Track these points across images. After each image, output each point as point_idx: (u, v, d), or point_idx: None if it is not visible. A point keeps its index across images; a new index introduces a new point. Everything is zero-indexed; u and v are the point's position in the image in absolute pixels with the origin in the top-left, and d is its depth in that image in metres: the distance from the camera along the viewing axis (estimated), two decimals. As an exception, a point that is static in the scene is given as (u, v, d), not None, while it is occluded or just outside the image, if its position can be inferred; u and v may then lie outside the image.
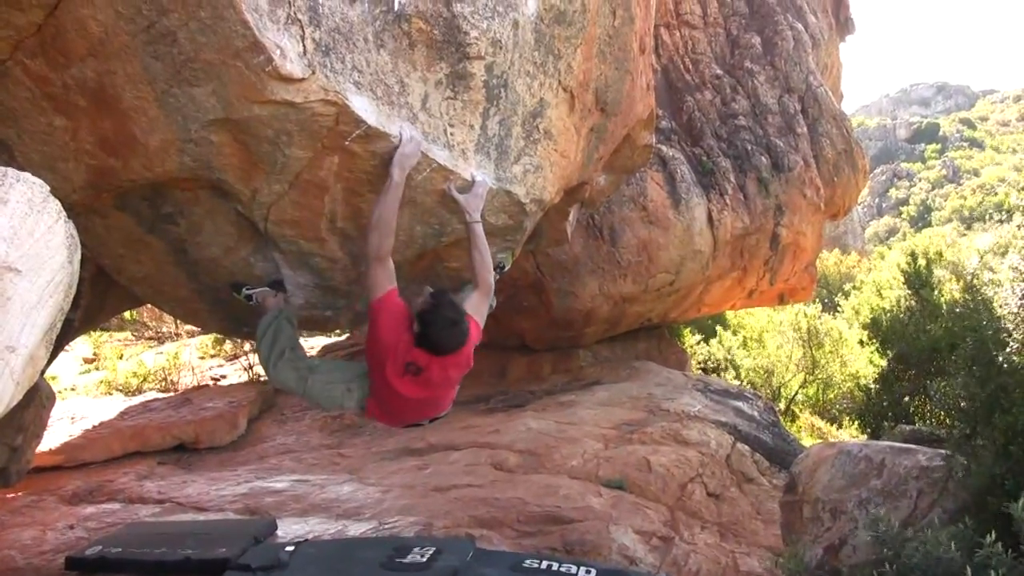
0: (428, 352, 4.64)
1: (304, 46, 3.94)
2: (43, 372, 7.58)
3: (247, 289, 5.60)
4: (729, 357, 17.08)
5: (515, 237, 5.57)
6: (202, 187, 4.75)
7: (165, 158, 4.33)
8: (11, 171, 2.98)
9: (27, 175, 3.03)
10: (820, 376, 16.79)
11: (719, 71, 12.20)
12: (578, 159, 5.89)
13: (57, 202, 3.16)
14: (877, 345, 14.60)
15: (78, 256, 3.35)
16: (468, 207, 4.86)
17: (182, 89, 3.96)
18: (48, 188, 3.13)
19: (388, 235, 4.50)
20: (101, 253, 5.54)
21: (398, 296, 4.67)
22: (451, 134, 4.72)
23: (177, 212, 5.00)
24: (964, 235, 42.51)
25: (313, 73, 3.98)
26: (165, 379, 13.84)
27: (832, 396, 16.62)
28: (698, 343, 16.94)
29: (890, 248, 45.39)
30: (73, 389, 13.92)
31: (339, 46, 4.11)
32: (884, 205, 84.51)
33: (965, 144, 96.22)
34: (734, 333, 18.21)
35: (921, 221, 71.96)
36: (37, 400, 7.39)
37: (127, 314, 16.72)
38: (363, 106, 4.25)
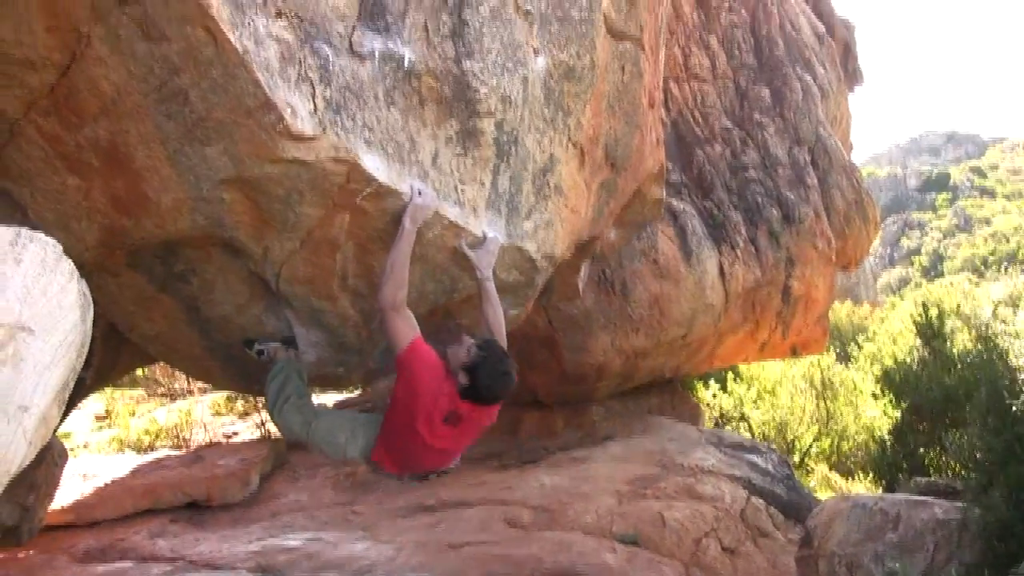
0: (474, 403, 4.67)
1: (315, 104, 3.96)
2: (55, 430, 7.58)
3: (259, 344, 5.59)
4: (742, 411, 16.98)
5: (527, 293, 5.57)
6: (214, 245, 4.76)
7: (177, 217, 4.35)
8: (24, 231, 2.99)
9: (40, 235, 3.03)
10: (834, 428, 16.67)
11: (729, 124, 12.23)
12: (589, 214, 5.90)
13: (70, 261, 3.16)
14: (891, 396, 14.51)
15: (91, 315, 3.34)
16: (479, 264, 4.86)
17: (194, 148, 3.98)
18: (61, 247, 3.13)
19: (402, 285, 4.47)
20: (113, 311, 5.55)
21: (424, 342, 4.63)
22: (462, 191, 4.74)
23: (189, 270, 5.01)
24: (976, 284, 42.37)
25: (324, 131, 4.00)
26: (177, 436, 13.78)
27: (847, 448, 16.49)
28: (713, 396, 16.86)
29: (902, 298, 45.24)
30: (85, 446, 13.87)
31: (350, 104, 4.14)
32: (896, 255, 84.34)
33: (976, 193, 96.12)
34: (748, 387, 18.12)
35: (933, 271, 71.70)
36: (49, 458, 7.37)
37: (139, 371, 16.71)
38: (374, 164, 4.26)
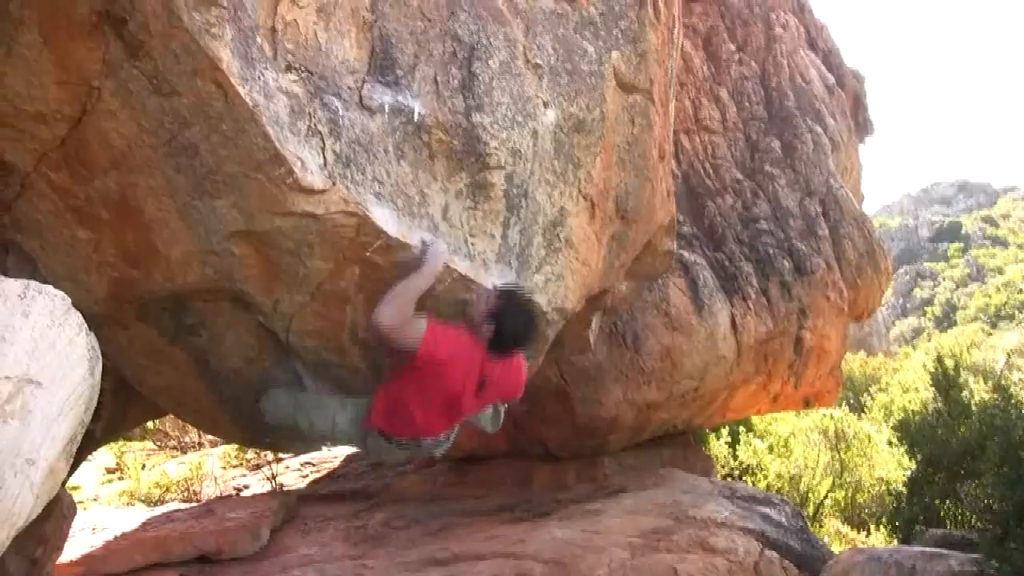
0: (502, 352, 4.69)
1: (325, 158, 3.97)
2: (64, 483, 7.54)
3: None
4: (755, 463, 16.87)
5: (538, 346, 5.54)
6: (224, 298, 4.75)
7: (187, 270, 4.35)
8: (33, 284, 2.99)
9: (49, 287, 3.03)
10: (848, 480, 16.55)
11: (739, 175, 12.24)
12: (599, 267, 5.88)
13: (78, 314, 3.16)
14: (906, 448, 14.43)
15: (99, 368, 3.33)
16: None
17: (204, 201, 3.99)
18: (70, 300, 3.13)
19: (404, 319, 4.41)
20: (123, 364, 5.53)
21: (437, 324, 4.59)
22: (472, 244, 4.73)
23: (199, 323, 4.99)
24: (990, 334, 42.23)
25: (334, 184, 4.01)
26: (188, 489, 13.74)
27: (862, 500, 16.36)
28: (726, 449, 16.75)
29: (915, 348, 45.10)
30: (95, 499, 13.84)
31: (359, 157, 4.15)
32: (908, 305, 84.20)
33: (988, 242, 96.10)
34: (761, 439, 18.01)
35: (946, 321, 71.55)
36: (58, 512, 7.32)
37: (150, 424, 16.70)
38: (384, 217, 4.27)
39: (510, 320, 4.55)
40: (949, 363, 14.35)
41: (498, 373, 4.81)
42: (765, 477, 16.41)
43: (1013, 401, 8.70)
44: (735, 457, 16.72)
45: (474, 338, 4.64)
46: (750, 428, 18.19)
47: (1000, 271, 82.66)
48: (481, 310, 4.62)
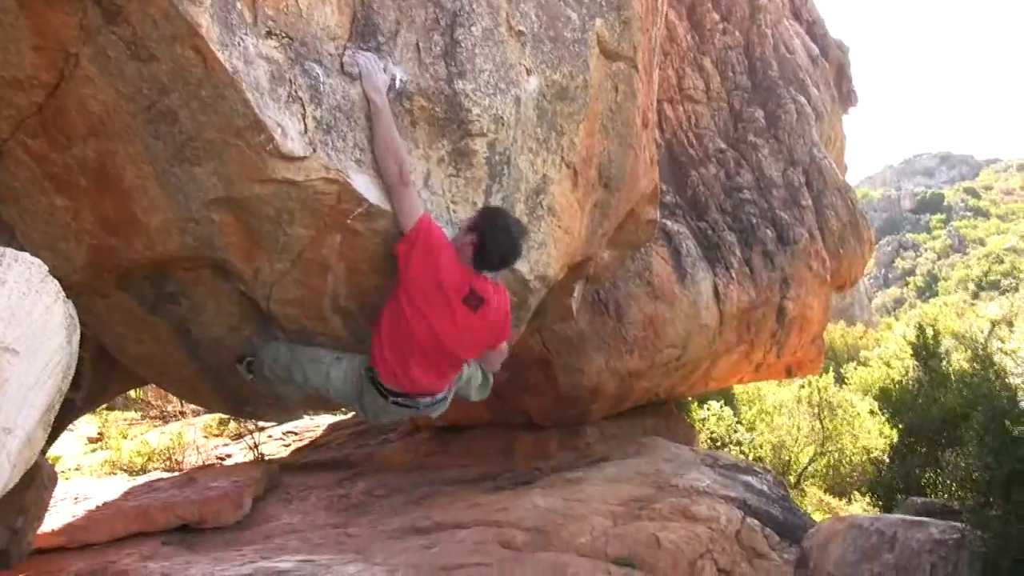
0: (486, 266, 4.59)
1: (305, 124, 3.94)
2: (45, 452, 7.52)
3: (250, 357, 5.48)
4: (738, 432, 16.94)
5: (519, 315, 5.52)
6: (204, 267, 4.72)
7: (167, 237, 4.32)
8: (9, 251, 2.96)
9: (25, 255, 3.00)
10: (831, 449, 16.64)
11: (723, 145, 12.24)
12: (582, 235, 5.86)
13: (56, 282, 3.13)
14: (887, 417, 14.52)
15: (77, 336, 3.31)
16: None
17: (183, 168, 3.96)
18: (47, 268, 3.10)
19: (400, 158, 4.27)
20: (103, 333, 5.51)
21: (434, 221, 4.52)
22: (454, 211, 4.71)
23: (179, 292, 4.97)
24: (971, 304, 42.47)
25: (314, 151, 3.98)
26: (170, 458, 13.71)
27: (844, 469, 16.47)
28: (709, 417, 16.81)
29: (897, 319, 45.35)
30: (77, 469, 13.81)
31: (340, 124, 4.12)
32: (890, 276, 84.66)
33: (970, 213, 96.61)
34: (744, 407, 18.09)
35: (928, 291, 72.01)
36: (38, 481, 7.31)
37: (132, 393, 16.66)
38: (365, 184, 4.24)
39: (492, 232, 4.45)
40: (931, 333, 14.41)
41: (488, 295, 4.68)
42: (747, 446, 16.48)
43: (995, 370, 8.75)
44: (718, 426, 16.77)
45: (458, 254, 4.53)
46: (733, 397, 18.27)
47: (982, 242, 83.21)
48: (463, 226, 4.57)
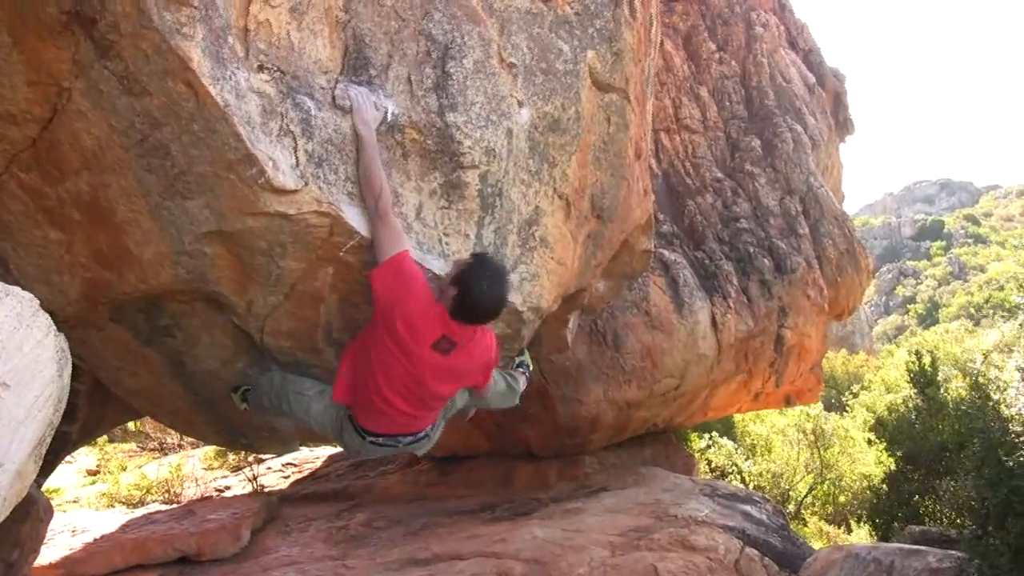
0: (466, 319, 4.46)
1: (297, 158, 3.97)
2: (41, 484, 7.51)
3: (244, 387, 5.45)
4: (736, 461, 16.92)
5: (513, 346, 5.54)
6: (197, 299, 4.74)
7: (160, 270, 4.33)
8: (0, 285, 2.98)
9: (16, 289, 3.02)
10: (829, 477, 16.61)
11: (720, 174, 12.26)
12: (575, 266, 5.88)
13: (47, 316, 3.14)
14: (885, 445, 14.49)
15: (68, 370, 3.32)
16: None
17: (175, 202, 3.98)
18: (38, 302, 3.11)
19: (380, 193, 4.23)
20: (97, 366, 5.52)
21: (412, 260, 4.42)
22: (446, 243, 4.72)
23: (173, 324, 4.98)
24: (972, 332, 42.46)
25: (306, 185, 4.01)
26: (168, 491, 13.70)
27: (842, 497, 16.44)
28: (707, 447, 16.78)
29: (898, 346, 45.32)
30: (76, 501, 13.79)
31: (332, 157, 4.15)
32: (891, 303, 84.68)
33: (970, 240, 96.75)
34: (742, 437, 18.07)
35: (929, 319, 72.01)
36: (34, 514, 7.30)
37: (131, 425, 16.66)
38: (357, 217, 4.27)
39: (474, 290, 4.31)
40: (928, 360, 14.40)
41: (467, 339, 4.59)
42: (745, 476, 16.44)
43: (991, 402, 8.74)
44: (716, 456, 16.75)
45: (437, 298, 4.44)
46: (732, 426, 18.24)
47: (982, 269, 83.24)
48: (450, 274, 4.46)
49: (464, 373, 4.85)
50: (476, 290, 4.32)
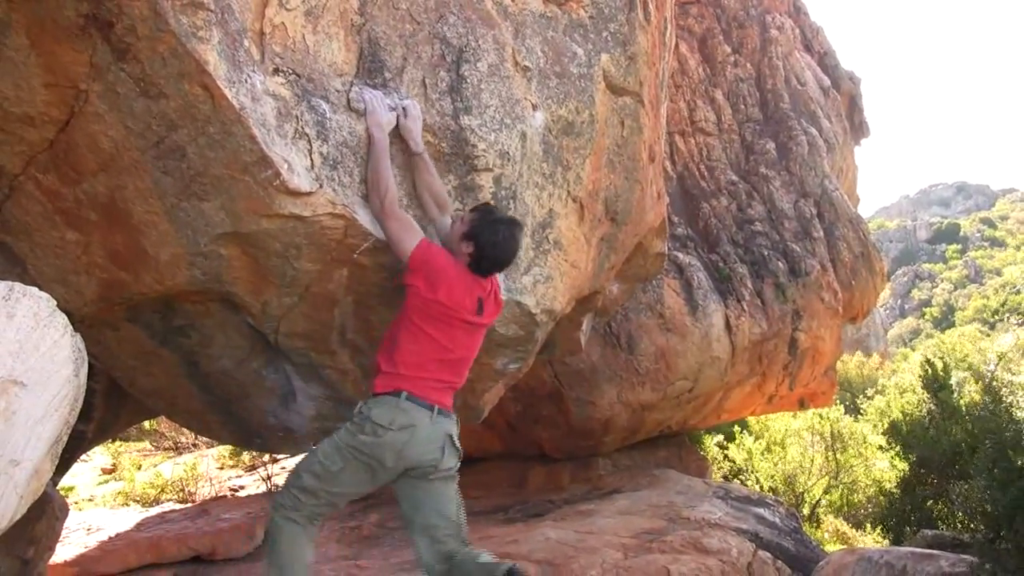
0: (487, 271, 4.51)
1: (312, 160, 3.99)
2: (56, 483, 7.55)
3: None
4: (750, 464, 16.87)
5: (526, 348, 5.53)
6: (212, 300, 4.76)
7: (175, 271, 4.35)
8: (18, 286, 3.01)
9: (34, 289, 3.05)
10: (844, 480, 16.56)
11: (734, 177, 12.27)
12: (589, 269, 5.88)
13: (64, 316, 3.17)
14: (898, 448, 14.45)
15: (85, 370, 3.35)
16: (412, 136, 4.46)
17: (191, 203, 4.00)
18: (55, 302, 3.14)
19: (385, 192, 4.26)
20: (113, 365, 5.54)
21: (432, 242, 4.43)
22: (460, 246, 4.74)
23: (188, 325, 5.00)
24: (987, 335, 42.28)
25: (321, 187, 4.03)
26: (183, 490, 13.71)
27: (857, 501, 16.38)
28: (721, 449, 16.75)
29: (913, 350, 45.15)
30: (91, 500, 13.82)
31: (347, 160, 4.17)
32: (907, 306, 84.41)
33: (986, 244, 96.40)
34: (756, 439, 18.01)
35: (944, 322, 71.73)
36: (49, 512, 7.33)
37: (146, 424, 16.69)
38: (371, 219, 4.30)
39: (488, 235, 4.36)
40: (941, 365, 14.36)
41: (491, 289, 4.63)
42: (760, 478, 16.41)
43: (1004, 404, 8.73)
44: (730, 458, 16.72)
45: (461, 264, 4.44)
46: (746, 429, 18.20)
47: (998, 272, 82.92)
48: (457, 232, 4.45)
49: (491, 321, 4.82)
50: (492, 242, 4.38)
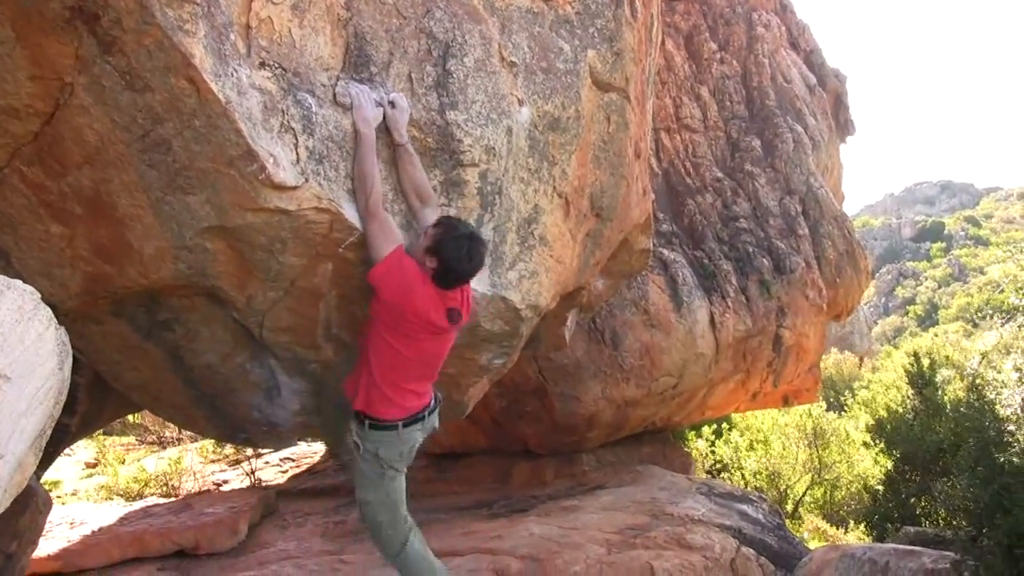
0: (453, 285, 4.57)
1: (297, 154, 3.99)
2: (40, 477, 7.52)
3: None
4: (734, 460, 16.92)
5: (511, 343, 5.54)
6: (198, 294, 4.75)
7: (160, 265, 4.35)
8: (2, 278, 2.99)
9: (17, 282, 3.03)
10: (827, 477, 16.63)
11: (720, 174, 12.29)
12: (574, 264, 5.89)
13: (48, 309, 3.16)
14: (882, 445, 14.51)
15: (69, 363, 3.34)
16: (397, 127, 4.47)
17: (176, 197, 3.99)
18: (39, 295, 3.13)
19: (371, 191, 4.29)
20: (97, 359, 5.52)
21: (408, 254, 4.49)
22: (445, 241, 4.74)
23: (173, 319, 4.99)
24: (971, 333, 42.43)
25: (306, 181, 4.03)
26: (166, 484, 13.67)
27: (840, 497, 16.45)
28: (705, 446, 16.79)
29: (897, 347, 45.30)
30: (74, 494, 13.78)
31: (333, 154, 4.17)
32: (891, 304, 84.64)
33: (970, 242, 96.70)
34: (740, 435, 18.06)
35: (928, 320, 72.00)
36: (33, 506, 7.31)
37: (130, 418, 16.64)
38: (356, 214, 4.28)
39: (452, 250, 4.40)
40: (926, 362, 14.43)
41: (462, 298, 4.71)
42: (743, 474, 16.46)
43: (987, 401, 8.75)
44: (714, 454, 16.77)
45: (425, 276, 4.50)
46: (730, 425, 18.24)
47: (982, 271, 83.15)
48: (421, 247, 4.49)
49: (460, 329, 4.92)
50: (456, 256, 4.44)
